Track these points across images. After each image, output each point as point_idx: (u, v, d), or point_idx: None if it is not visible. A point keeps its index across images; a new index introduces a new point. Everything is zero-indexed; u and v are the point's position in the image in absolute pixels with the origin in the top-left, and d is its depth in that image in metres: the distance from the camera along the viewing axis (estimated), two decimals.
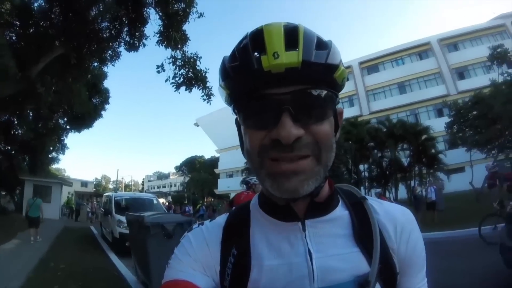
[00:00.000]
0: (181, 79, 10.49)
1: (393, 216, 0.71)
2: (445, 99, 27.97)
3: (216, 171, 55.52)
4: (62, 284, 5.87)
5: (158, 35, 10.97)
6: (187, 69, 10.49)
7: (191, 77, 10.46)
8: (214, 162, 59.75)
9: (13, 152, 20.71)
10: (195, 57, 10.59)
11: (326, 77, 0.59)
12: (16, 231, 12.16)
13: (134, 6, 10.49)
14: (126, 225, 9.42)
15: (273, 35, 0.57)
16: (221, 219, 0.75)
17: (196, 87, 10.59)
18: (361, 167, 26.42)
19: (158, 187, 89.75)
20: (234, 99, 0.63)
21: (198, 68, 10.44)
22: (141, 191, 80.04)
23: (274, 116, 0.56)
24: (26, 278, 6.15)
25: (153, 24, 11.32)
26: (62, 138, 21.63)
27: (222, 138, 49.41)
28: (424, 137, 23.79)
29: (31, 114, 15.98)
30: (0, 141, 17.50)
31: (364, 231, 0.67)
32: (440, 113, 31.38)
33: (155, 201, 13.01)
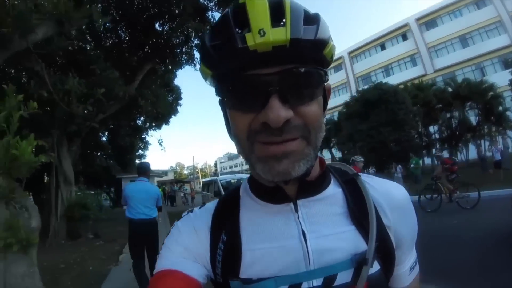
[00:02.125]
0: None
1: (387, 192, 0.70)
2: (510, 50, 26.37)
3: None
4: None
5: None
6: None
7: None
8: None
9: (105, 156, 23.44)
10: None
11: (315, 55, 0.56)
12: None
13: (198, 13, 11.32)
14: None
15: (258, 10, 0.53)
16: (211, 205, 0.73)
17: None
18: (431, 129, 26.49)
19: (230, 167, 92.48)
20: (218, 80, 0.60)
21: None
22: (215, 173, 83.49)
23: (262, 98, 0.53)
24: None
25: None
26: (143, 136, 23.94)
27: None
28: (490, 94, 23.33)
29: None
30: (108, 149, 20.19)
31: (358, 208, 0.65)
32: (506, 65, 29.25)
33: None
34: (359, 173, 0.73)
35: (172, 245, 0.67)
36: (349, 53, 45.17)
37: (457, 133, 24.92)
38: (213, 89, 0.64)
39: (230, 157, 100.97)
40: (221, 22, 0.57)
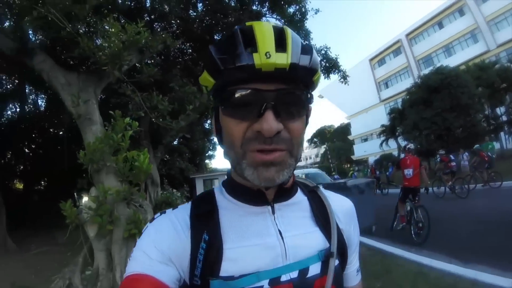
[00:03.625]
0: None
1: (341, 203, 0.86)
2: None
3: (350, 137, 55.93)
4: None
5: None
6: (320, 59, 11.34)
7: (327, 66, 11.77)
8: (344, 129, 60.55)
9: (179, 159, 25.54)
10: (325, 49, 11.81)
11: (307, 79, 0.66)
12: None
13: (253, 20, 11.80)
14: None
15: (265, 35, 0.61)
16: (185, 207, 0.76)
17: (332, 73, 11.93)
18: (498, 111, 24.81)
19: None
20: (220, 89, 0.65)
21: (330, 57, 11.68)
22: None
23: (259, 110, 0.60)
24: None
25: None
26: (211, 138, 25.61)
27: (350, 104, 50.36)
28: None
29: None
30: (186, 153, 22.28)
31: (321, 213, 0.78)
32: None
33: (320, 174, 14.69)
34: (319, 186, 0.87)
35: (146, 247, 0.66)
36: (407, 35, 42.60)
37: None
38: None
39: None
40: (230, 39, 0.63)
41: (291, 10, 11.87)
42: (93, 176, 5.39)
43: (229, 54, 0.61)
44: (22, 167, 22.26)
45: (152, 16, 10.94)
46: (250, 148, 0.62)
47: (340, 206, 0.84)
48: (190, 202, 0.77)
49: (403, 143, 29.80)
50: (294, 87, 0.63)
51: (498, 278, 3.95)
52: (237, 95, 0.62)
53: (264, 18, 12.43)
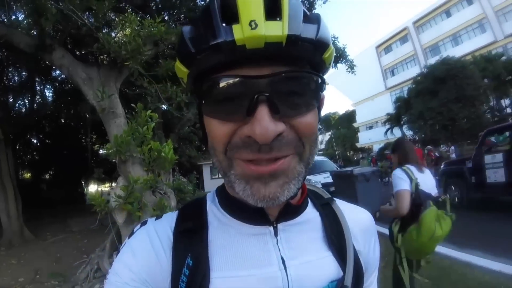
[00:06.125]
0: None
1: (359, 218, 0.69)
2: None
3: (355, 125, 55.24)
4: None
5: None
6: None
7: (334, 56, 11.54)
8: (349, 116, 59.84)
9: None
10: (333, 38, 11.35)
11: (314, 58, 0.50)
12: None
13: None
14: (313, 182, 12.00)
15: (249, 0, 0.44)
16: (170, 218, 0.62)
17: (340, 62, 11.72)
18: (504, 103, 25.00)
19: None
20: (195, 80, 0.51)
21: (338, 46, 11.28)
22: None
23: (247, 106, 0.44)
24: None
25: None
26: None
27: (355, 91, 49.35)
28: None
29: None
30: (196, 140, 22.60)
31: (335, 234, 0.62)
32: None
33: (326, 161, 15.12)
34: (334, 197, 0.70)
35: (120, 270, 0.55)
36: (414, 22, 41.81)
37: None
38: None
39: None
40: (205, 12, 0.48)
41: None
42: (119, 167, 5.71)
43: (202, 31, 0.48)
44: (29, 157, 22.69)
45: (160, 6, 11.04)
46: (237, 156, 0.49)
47: (357, 221, 0.69)
48: (177, 211, 0.64)
49: (408, 132, 30.28)
50: (297, 70, 0.48)
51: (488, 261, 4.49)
52: (215, 86, 0.47)
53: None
